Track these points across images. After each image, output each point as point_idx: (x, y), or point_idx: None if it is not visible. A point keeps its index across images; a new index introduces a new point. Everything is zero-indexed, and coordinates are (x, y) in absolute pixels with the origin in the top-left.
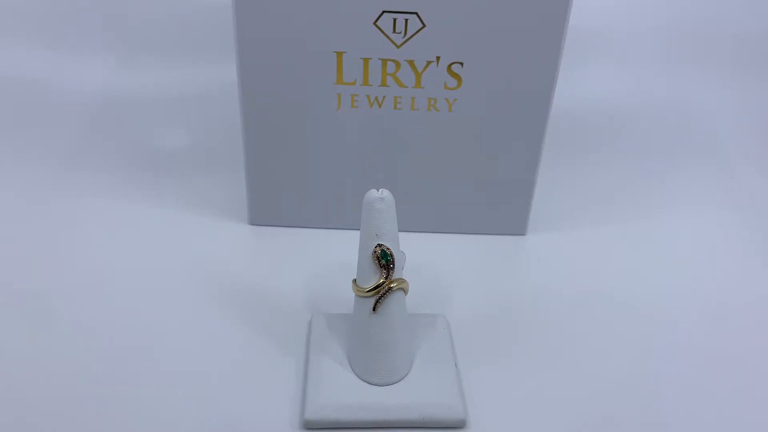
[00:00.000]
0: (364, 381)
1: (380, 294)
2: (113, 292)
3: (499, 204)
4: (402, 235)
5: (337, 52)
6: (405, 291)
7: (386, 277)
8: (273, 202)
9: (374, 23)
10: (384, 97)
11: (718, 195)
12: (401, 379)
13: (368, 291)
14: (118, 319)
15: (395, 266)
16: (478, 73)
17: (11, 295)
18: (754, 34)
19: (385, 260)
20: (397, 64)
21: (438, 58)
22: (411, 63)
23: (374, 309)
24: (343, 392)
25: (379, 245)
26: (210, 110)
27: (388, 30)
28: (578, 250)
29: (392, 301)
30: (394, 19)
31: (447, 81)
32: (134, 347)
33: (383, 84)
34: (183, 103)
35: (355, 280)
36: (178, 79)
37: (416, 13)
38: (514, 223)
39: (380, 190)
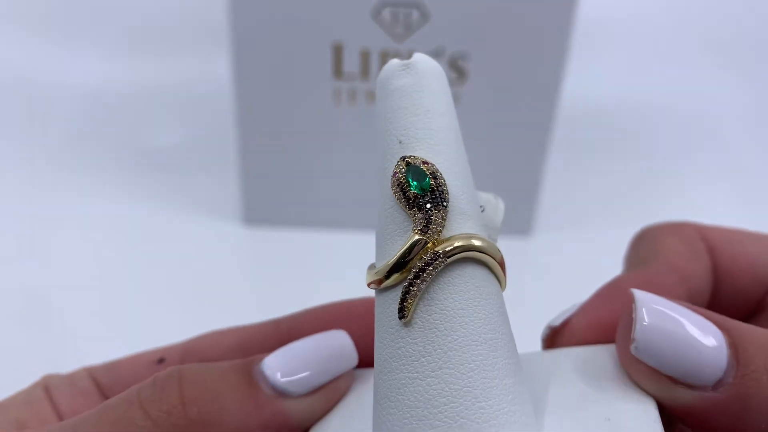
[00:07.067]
0: None
1: (412, 277)
2: (104, 292)
3: (505, 202)
4: None
5: (335, 46)
6: (487, 264)
7: (424, 230)
8: (268, 201)
9: (374, 16)
10: None
11: (730, 196)
12: None
13: (386, 275)
14: (109, 320)
15: (451, 206)
16: (484, 68)
17: (4, 296)
18: None
19: (419, 190)
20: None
21: (441, 52)
22: None
23: (402, 315)
24: None
25: (406, 160)
26: (203, 105)
27: (389, 23)
28: (585, 250)
29: (445, 288)
30: (396, 12)
31: (451, 76)
32: (127, 348)
33: None
34: (174, 98)
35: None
36: (169, 73)
37: (418, 6)
38: (520, 222)
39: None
